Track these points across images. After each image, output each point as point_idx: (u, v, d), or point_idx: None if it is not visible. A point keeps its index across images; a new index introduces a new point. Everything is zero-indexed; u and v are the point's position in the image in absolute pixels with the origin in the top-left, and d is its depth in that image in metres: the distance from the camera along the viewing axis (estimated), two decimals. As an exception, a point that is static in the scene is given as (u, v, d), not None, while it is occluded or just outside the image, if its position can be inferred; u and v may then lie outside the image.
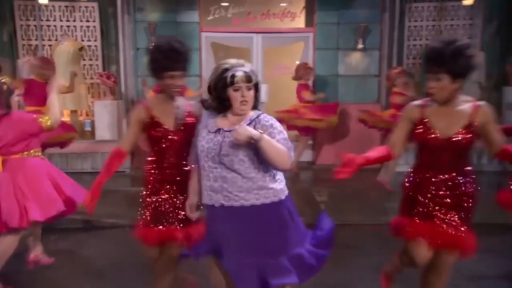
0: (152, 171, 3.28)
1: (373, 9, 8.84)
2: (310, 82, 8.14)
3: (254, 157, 2.75)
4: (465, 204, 3.04)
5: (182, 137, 3.21)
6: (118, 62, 8.71)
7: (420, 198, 3.08)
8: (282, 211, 2.85)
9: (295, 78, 7.94)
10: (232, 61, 2.83)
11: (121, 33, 8.50)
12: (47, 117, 3.96)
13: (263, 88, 8.69)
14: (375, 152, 3.12)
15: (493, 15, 9.09)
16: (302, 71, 7.87)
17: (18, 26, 8.90)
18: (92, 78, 9.15)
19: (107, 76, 8.54)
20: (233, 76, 2.70)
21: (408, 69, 9.05)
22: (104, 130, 8.55)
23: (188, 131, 3.19)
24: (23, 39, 8.94)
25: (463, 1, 8.76)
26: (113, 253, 4.99)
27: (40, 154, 4.14)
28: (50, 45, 8.91)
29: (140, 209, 3.33)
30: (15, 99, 4.05)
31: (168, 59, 3.06)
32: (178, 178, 3.24)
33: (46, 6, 8.75)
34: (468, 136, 2.92)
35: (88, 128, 8.90)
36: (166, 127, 3.20)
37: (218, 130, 2.81)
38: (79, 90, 8.48)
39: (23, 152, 3.99)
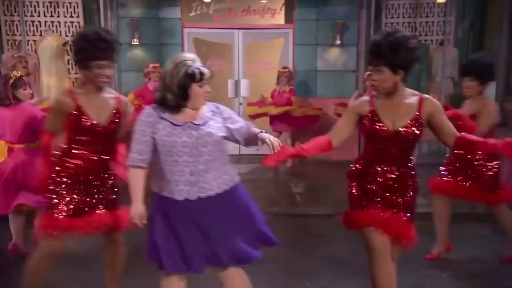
0: (70, 160, 3.13)
1: (351, 6, 8.90)
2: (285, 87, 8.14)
3: (223, 144, 2.87)
4: (408, 197, 3.02)
5: (107, 130, 3.15)
6: (102, 57, 8.69)
7: (367, 187, 3.04)
8: (243, 188, 2.98)
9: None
10: (189, 56, 2.84)
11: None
12: None
13: (244, 83, 8.85)
14: (314, 142, 3.03)
15: (466, 12, 9.26)
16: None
17: (2, 22, 8.83)
18: (76, 73, 8.98)
19: None
20: (201, 73, 2.73)
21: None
22: (88, 122, 8.57)
23: (113, 124, 3.16)
24: (8, 34, 8.88)
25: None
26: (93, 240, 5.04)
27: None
28: (34, 40, 8.86)
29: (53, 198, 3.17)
30: (26, 92, 4.31)
31: (95, 48, 2.95)
32: (97, 168, 3.18)
33: (30, 1, 8.72)
34: (416, 128, 2.87)
35: None
36: (90, 118, 3.09)
37: (186, 123, 2.78)
38: (63, 83, 8.51)
39: (28, 143, 4.28)
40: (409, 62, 2.82)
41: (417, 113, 2.87)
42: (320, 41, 8.97)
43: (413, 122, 2.87)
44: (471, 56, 4.35)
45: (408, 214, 3.02)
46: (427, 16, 9.33)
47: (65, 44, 8.71)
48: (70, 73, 9.02)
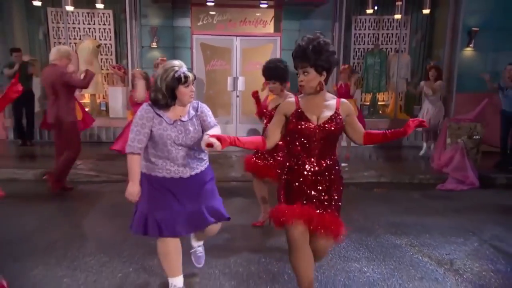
0: None
1: (326, 20, 9.23)
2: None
3: (201, 135, 2.91)
4: (336, 192, 2.77)
5: None
6: (127, 57, 9.08)
7: (296, 184, 2.73)
8: (212, 170, 3.21)
9: None
10: (176, 62, 2.87)
11: (130, 34, 8.89)
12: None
13: (241, 80, 9.44)
14: (251, 138, 2.80)
15: (418, 27, 9.85)
16: None
17: (50, 28, 9.35)
18: (107, 70, 9.58)
19: (118, 68, 8.99)
20: (186, 76, 2.80)
21: (354, 67, 9.79)
22: (116, 109, 9.12)
23: None
24: (54, 38, 9.38)
25: (395, 16, 9.46)
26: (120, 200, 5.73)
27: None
28: (75, 43, 9.33)
29: None
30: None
31: None
32: None
33: (72, 12, 9.17)
34: (336, 123, 2.69)
35: (103, 108, 9.46)
36: None
37: (175, 121, 2.87)
38: (97, 79, 8.96)
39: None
40: (330, 64, 2.65)
41: (336, 112, 2.71)
42: (301, 48, 9.34)
43: (334, 117, 2.70)
44: (269, 64, 4.18)
45: (337, 205, 2.78)
46: (387, 29, 9.85)
47: (98, 46, 9.27)
48: (102, 69, 9.54)
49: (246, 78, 9.36)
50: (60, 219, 4.80)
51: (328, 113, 2.69)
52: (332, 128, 2.67)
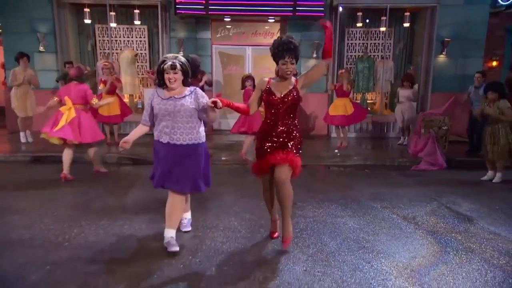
0: None
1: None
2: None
3: (192, 113, 3.18)
4: (295, 143, 3.28)
5: None
6: (159, 64, 9.54)
7: (267, 142, 3.30)
8: (204, 148, 3.35)
9: None
10: (170, 55, 3.17)
11: (161, 45, 9.28)
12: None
13: None
14: (239, 105, 3.35)
15: (400, 38, 10.17)
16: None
17: (97, 41, 9.81)
18: (142, 74, 9.96)
19: (152, 73, 9.04)
20: (165, 63, 3.09)
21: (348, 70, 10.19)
22: (150, 107, 9.62)
23: None
24: (100, 49, 9.83)
25: (380, 28, 9.79)
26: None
27: None
28: (117, 53, 9.75)
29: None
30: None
31: None
32: None
33: (115, 28, 9.59)
34: (293, 96, 3.20)
35: (139, 106, 9.89)
36: None
37: (169, 98, 3.14)
38: (135, 81, 9.55)
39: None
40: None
41: (294, 86, 3.22)
42: (303, 55, 8.33)
43: (292, 92, 3.21)
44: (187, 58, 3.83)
45: (295, 151, 3.28)
46: (375, 39, 10.18)
47: (136, 55, 9.72)
48: (138, 74, 9.91)
49: (257, 81, 9.19)
50: (111, 190, 5.37)
51: (288, 89, 3.22)
52: (290, 99, 3.20)
